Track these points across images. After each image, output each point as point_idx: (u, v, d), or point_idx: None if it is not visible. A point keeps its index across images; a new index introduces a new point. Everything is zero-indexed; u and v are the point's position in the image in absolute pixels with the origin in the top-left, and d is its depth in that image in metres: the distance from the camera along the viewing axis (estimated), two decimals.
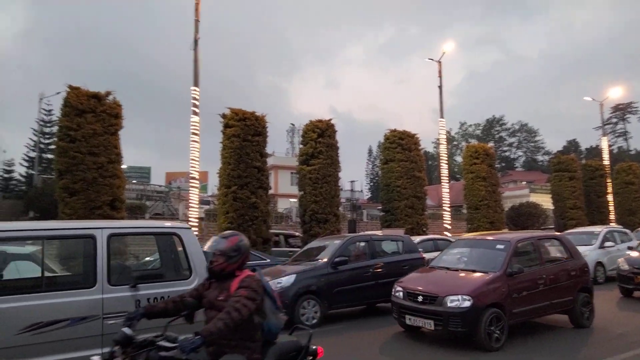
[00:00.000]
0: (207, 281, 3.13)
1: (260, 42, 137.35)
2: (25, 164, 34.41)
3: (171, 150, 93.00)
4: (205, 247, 5.63)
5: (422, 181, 19.43)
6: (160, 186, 40.69)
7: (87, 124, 11.76)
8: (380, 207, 23.85)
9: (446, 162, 21.40)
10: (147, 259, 6.70)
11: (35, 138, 33.78)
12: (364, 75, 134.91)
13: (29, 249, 5.78)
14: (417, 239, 13.11)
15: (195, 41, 14.09)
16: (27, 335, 3.85)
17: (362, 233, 13.39)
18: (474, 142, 59.33)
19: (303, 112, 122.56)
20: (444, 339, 6.77)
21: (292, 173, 37.84)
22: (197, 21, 14.21)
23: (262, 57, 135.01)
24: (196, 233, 13.93)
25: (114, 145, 12.18)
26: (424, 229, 18.81)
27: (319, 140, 16.48)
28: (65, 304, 4.07)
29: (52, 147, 33.66)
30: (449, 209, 21.13)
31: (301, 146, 17.22)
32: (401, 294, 7.06)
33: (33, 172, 32.57)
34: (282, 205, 36.25)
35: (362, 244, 9.69)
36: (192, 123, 13.83)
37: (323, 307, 8.36)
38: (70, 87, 12.09)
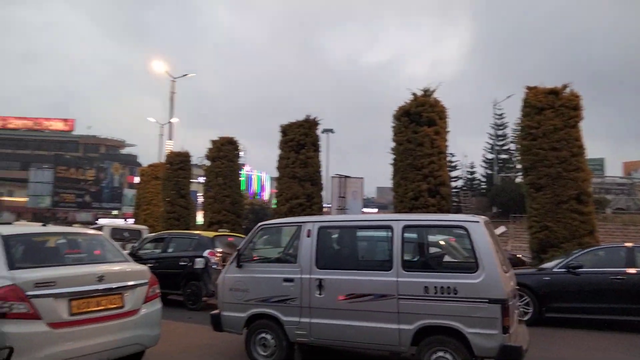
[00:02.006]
0: None
1: None
2: (484, 165, 38.75)
3: (627, 138, 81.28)
4: None
5: None
6: (620, 178, 36.43)
7: (546, 120, 12.10)
8: None
9: None
10: (438, 250, 6.21)
11: (491, 141, 37.56)
12: None
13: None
14: None
15: None
16: (346, 302, 5.05)
17: None
18: None
19: None
20: None
21: None
22: None
23: None
24: None
25: (574, 138, 11.96)
26: None
27: None
28: (371, 282, 4.99)
29: (506, 148, 36.52)
30: None
31: None
32: None
33: (491, 172, 36.22)
34: None
35: None
36: None
37: None
38: (528, 87, 12.77)
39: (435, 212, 11.84)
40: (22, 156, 63.25)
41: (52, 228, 6.13)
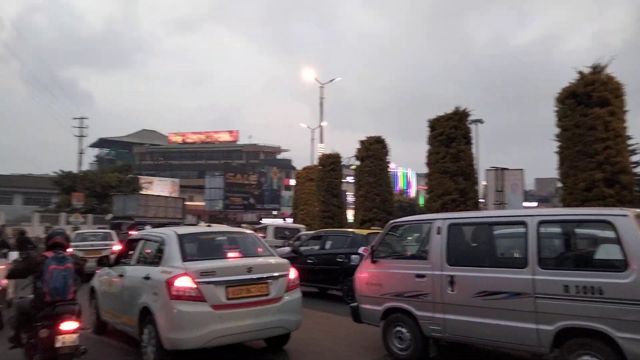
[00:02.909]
0: None
1: None
2: None
3: None
4: None
5: None
6: None
7: None
8: None
9: None
10: (581, 246, 5.26)
11: None
12: None
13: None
14: None
15: None
16: (479, 299, 4.90)
17: None
18: None
19: None
20: None
21: None
22: None
23: None
24: None
25: None
26: None
27: None
28: (505, 280, 4.77)
29: None
30: None
31: None
32: None
33: None
34: None
35: None
36: None
37: None
38: None
39: (613, 204, 10.41)
40: (198, 166, 73.00)
41: (214, 228, 7.23)
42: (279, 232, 18.65)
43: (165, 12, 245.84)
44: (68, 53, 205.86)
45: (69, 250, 5.15)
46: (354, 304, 6.32)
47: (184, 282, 5.08)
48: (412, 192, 72.58)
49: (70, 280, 4.82)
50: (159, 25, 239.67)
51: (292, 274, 5.91)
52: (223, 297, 5.18)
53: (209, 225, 7.60)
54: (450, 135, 14.52)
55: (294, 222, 26.53)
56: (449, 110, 14.91)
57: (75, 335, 4.60)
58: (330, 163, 22.31)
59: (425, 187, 16.44)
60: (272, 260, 5.97)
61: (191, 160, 74.86)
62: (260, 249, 6.23)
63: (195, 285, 5.07)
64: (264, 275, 5.55)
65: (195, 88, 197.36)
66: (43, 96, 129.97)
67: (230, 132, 76.78)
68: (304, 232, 17.40)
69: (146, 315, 5.39)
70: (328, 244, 11.30)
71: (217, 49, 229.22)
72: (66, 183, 40.00)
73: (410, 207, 49.65)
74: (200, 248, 5.99)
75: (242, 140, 75.92)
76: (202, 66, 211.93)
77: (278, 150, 77.71)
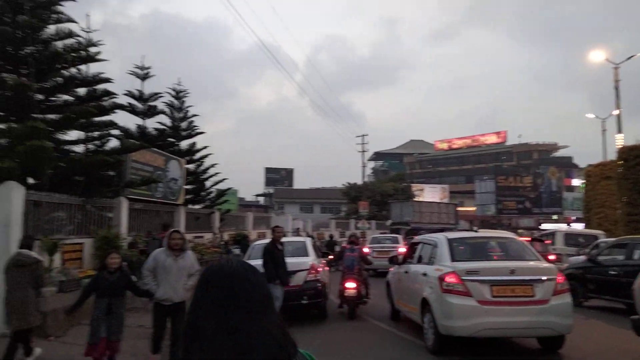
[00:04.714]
0: None
1: None
2: None
3: None
4: None
5: None
6: None
7: None
8: None
9: None
10: None
11: None
12: None
13: None
14: None
15: None
16: None
17: None
18: None
19: None
20: None
21: None
22: None
23: None
24: None
25: None
26: None
27: None
28: None
29: None
30: None
31: None
32: None
33: None
34: None
35: None
36: None
37: None
38: None
39: None
40: (466, 170, 72.29)
41: (480, 234, 8.04)
42: (571, 238, 16.82)
43: (422, 26, 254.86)
44: (345, 80, 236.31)
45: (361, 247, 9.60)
46: (636, 317, 5.99)
47: (452, 279, 5.94)
48: None
49: (356, 262, 8.91)
50: (418, 40, 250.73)
51: (560, 278, 6.11)
52: (488, 294, 5.79)
53: (475, 231, 8.47)
54: None
55: (587, 227, 23.28)
56: None
57: (353, 291, 8.60)
58: (635, 156, 18.66)
59: None
60: (537, 264, 6.33)
61: (458, 166, 74.75)
62: (525, 254, 6.65)
63: (461, 282, 5.87)
64: (529, 278, 5.94)
65: (457, 94, 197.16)
66: (330, 120, 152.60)
67: (498, 133, 73.33)
68: (603, 239, 15.12)
69: (425, 305, 6.46)
70: (637, 254, 9.59)
71: (475, 52, 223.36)
72: (352, 193, 45.78)
73: None
74: (467, 250, 6.79)
75: (511, 141, 71.49)
76: (462, 71, 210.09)
77: (554, 147, 69.85)
